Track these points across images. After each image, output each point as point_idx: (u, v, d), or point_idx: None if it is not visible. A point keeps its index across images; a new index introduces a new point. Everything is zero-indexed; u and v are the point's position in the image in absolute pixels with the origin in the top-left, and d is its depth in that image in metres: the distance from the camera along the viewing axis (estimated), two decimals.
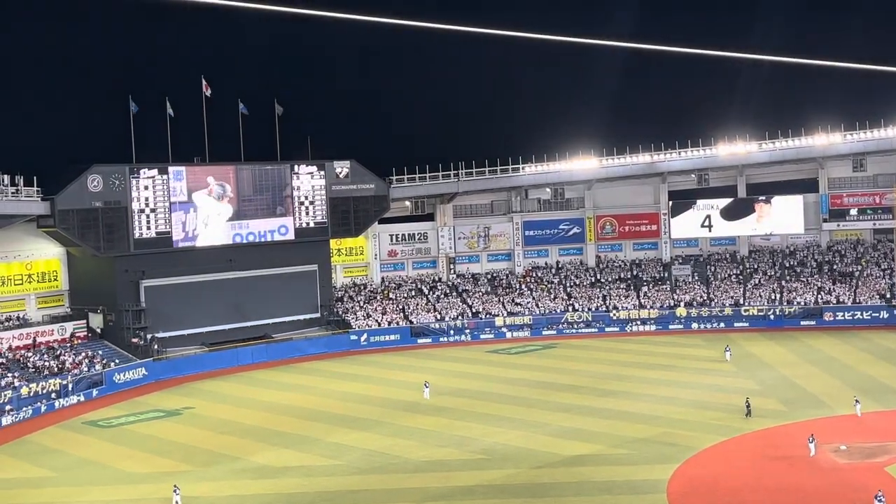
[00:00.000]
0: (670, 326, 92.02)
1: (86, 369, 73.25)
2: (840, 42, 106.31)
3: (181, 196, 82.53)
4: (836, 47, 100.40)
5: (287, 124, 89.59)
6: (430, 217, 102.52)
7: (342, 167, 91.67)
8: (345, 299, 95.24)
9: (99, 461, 53.65)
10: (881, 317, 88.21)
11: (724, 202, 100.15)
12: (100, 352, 77.26)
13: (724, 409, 57.95)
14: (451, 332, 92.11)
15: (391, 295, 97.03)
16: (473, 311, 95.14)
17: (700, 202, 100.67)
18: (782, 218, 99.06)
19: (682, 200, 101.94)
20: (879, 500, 38.90)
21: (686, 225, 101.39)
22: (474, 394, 67.05)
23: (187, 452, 54.87)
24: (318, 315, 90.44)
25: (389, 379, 73.72)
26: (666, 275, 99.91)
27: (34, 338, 76.16)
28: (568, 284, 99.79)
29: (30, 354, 73.67)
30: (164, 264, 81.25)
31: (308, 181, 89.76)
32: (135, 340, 78.99)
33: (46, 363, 72.56)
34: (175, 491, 45.37)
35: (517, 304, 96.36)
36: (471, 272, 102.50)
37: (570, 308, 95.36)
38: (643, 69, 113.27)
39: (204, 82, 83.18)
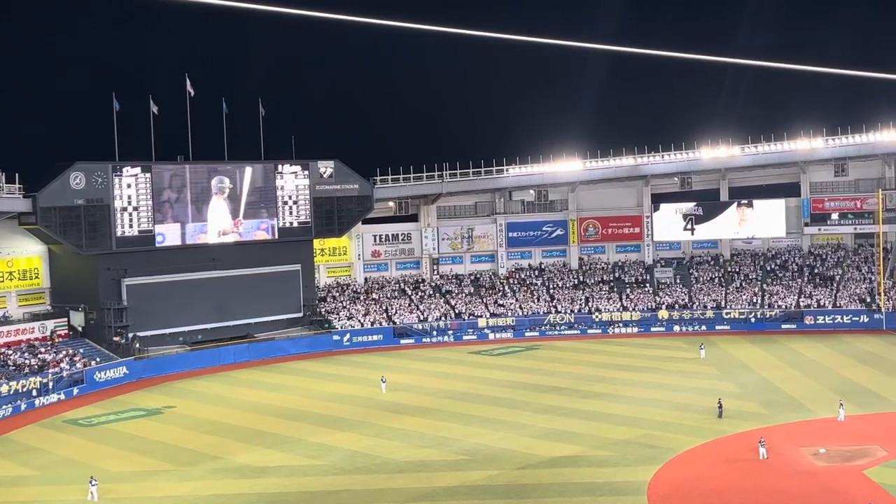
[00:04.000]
0: (652, 329, 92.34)
1: (67, 367, 72.88)
2: (822, 47, 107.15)
3: (164, 194, 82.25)
4: (819, 53, 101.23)
5: (271, 124, 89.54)
6: (413, 218, 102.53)
7: (326, 167, 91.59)
8: (328, 299, 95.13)
9: (79, 460, 53.37)
10: (861, 321, 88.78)
11: (705, 205, 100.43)
12: (81, 350, 76.86)
13: (705, 412, 58.19)
14: (434, 332, 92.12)
15: (374, 295, 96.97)
16: (456, 311, 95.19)
17: (680, 205, 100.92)
18: (764, 221, 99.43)
19: (663, 203, 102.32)
20: None
21: (668, 228, 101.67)
22: (457, 395, 67.10)
23: (168, 451, 54.68)
24: (300, 315, 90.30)
25: (372, 379, 73.52)
26: (648, 277, 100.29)
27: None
28: (551, 286, 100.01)
29: (10, 352, 73.26)
30: (146, 263, 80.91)
31: (292, 181, 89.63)
32: (116, 339, 78.62)
33: (27, 361, 72.15)
34: (91, 482, 46.08)
35: (500, 305, 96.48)
36: (454, 273, 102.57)
37: (553, 310, 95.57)
38: (627, 72, 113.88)
39: (188, 81, 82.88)
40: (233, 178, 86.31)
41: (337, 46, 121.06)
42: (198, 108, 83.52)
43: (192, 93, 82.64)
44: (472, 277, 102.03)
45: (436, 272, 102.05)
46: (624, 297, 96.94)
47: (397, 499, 44.58)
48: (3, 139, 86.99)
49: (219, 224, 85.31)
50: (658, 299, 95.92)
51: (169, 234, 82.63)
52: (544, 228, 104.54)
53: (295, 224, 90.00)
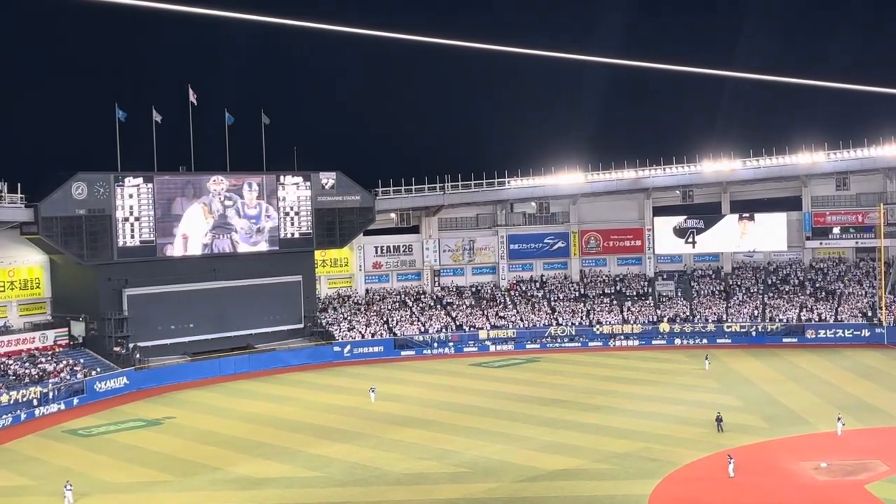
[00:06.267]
0: (653, 342, 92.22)
1: (67, 377, 72.79)
2: (824, 61, 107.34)
3: (166, 205, 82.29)
4: (820, 66, 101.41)
5: (274, 134, 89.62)
6: (415, 229, 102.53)
7: (328, 178, 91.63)
8: (329, 310, 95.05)
9: (78, 470, 53.19)
10: (862, 335, 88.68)
11: (707, 218, 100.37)
12: (81, 360, 76.77)
13: (706, 425, 58.05)
14: (435, 344, 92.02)
15: (375, 307, 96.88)
16: (457, 323, 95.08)
17: (681, 218, 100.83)
18: (765, 235, 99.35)
19: (665, 216, 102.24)
20: None
21: (669, 241, 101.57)
22: (457, 407, 66.97)
23: (167, 462, 54.58)
24: (301, 326, 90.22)
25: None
26: (650, 290, 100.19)
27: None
28: (552, 298, 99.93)
29: (10, 362, 73.19)
30: (147, 273, 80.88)
31: (294, 192, 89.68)
32: (117, 349, 78.56)
33: (27, 371, 72.07)
34: (66, 487, 46.49)
35: (501, 317, 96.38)
36: (455, 285, 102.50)
37: (554, 322, 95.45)
38: (629, 86, 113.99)
39: (191, 91, 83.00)
40: (235, 188, 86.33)
41: (340, 57, 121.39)
42: (200, 119, 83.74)
43: (195, 103, 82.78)
44: (474, 289, 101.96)
45: (437, 284, 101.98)
46: (625, 309, 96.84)
47: None
48: (5, 149, 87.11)
49: (219, 234, 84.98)
50: (659, 312, 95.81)
51: (170, 245, 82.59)
52: (546, 241, 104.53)
53: (296, 235, 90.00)
